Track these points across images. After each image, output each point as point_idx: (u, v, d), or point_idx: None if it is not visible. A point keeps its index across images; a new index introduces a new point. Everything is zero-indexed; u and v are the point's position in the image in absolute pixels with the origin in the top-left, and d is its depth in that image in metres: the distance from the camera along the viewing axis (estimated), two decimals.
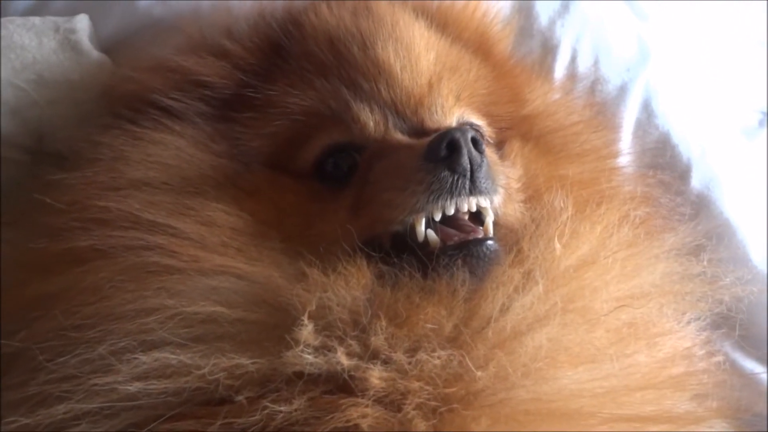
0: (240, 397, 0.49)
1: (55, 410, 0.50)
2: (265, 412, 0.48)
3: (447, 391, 0.50)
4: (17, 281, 0.58)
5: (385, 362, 0.50)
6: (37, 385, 0.52)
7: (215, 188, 0.60)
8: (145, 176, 0.60)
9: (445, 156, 0.56)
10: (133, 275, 0.54)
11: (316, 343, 0.50)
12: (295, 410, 0.48)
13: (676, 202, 0.76)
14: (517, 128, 0.72)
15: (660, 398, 0.56)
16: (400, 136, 0.62)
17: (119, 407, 0.50)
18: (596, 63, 0.89)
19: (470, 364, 0.50)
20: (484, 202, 0.58)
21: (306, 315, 0.50)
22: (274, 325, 0.52)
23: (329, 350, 0.50)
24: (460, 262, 0.54)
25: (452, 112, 0.66)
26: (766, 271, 0.81)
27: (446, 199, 0.56)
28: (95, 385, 0.50)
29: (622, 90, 0.88)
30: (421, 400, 0.49)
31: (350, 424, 0.48)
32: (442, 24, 0.75)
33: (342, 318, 0.52)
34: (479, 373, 0.50)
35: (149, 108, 0.66)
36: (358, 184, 0.61)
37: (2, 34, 0.78)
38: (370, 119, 0.63)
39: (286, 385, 0.50)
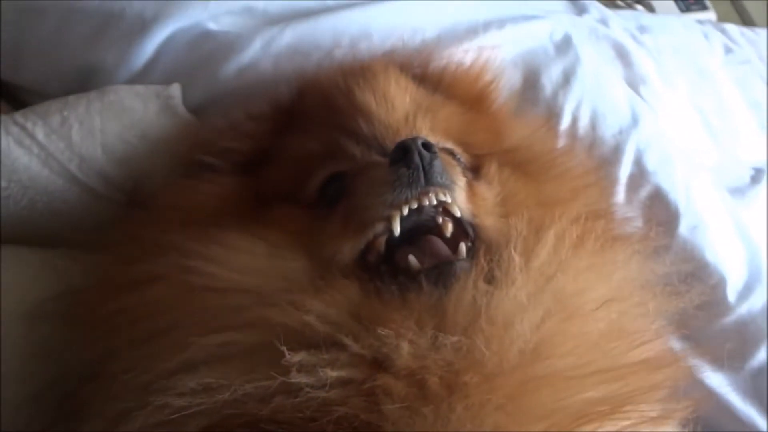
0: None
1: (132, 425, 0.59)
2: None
3: (461, 368, 0.57)
4: (101, 297, 0.72)
5: (408, 344, 0.58)
6: (113, 398, 0.62)
7: (238, 223, 0.73)
8: (187, 217, 0.76)
9: (400, 157, 0.67)
10: (177, 293, 0.66)
11: (304, 362, 0.58)
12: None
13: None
14: (496, 157, 0.82)
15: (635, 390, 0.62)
16: (380, 159, 0.73)
17: (172, 419, 0.58)
18: (593, 127, 1.02)
19: (478, 346, 0.58)
20: (442, 195, 0.68)
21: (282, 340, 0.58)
22: (266, 348, 0.60)
23: (320, 366, 0.57)
24: (434, 279, 0.64)
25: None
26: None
27: (407, 191, 0.67)
28: (155, 402, 0.59)
29: (617, 150, 1.00)
30: (442, 375, 0.57)
31: (383, 393, 0.56)
32: (435, 80, 0.89)
33: (326, 332, 0.60)
34: (487, 354, 0.58)
35: (197, 164, 0.84)
36: (346, 200, 0.73)
37: (114, 98, 0.95)
38: (356, 150, 0.76)
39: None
